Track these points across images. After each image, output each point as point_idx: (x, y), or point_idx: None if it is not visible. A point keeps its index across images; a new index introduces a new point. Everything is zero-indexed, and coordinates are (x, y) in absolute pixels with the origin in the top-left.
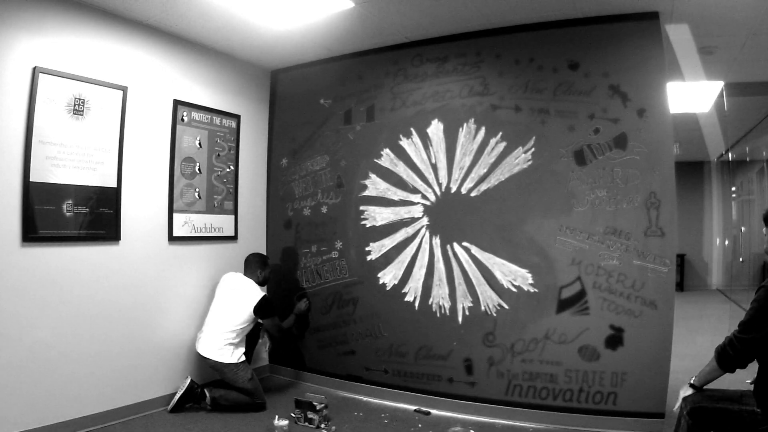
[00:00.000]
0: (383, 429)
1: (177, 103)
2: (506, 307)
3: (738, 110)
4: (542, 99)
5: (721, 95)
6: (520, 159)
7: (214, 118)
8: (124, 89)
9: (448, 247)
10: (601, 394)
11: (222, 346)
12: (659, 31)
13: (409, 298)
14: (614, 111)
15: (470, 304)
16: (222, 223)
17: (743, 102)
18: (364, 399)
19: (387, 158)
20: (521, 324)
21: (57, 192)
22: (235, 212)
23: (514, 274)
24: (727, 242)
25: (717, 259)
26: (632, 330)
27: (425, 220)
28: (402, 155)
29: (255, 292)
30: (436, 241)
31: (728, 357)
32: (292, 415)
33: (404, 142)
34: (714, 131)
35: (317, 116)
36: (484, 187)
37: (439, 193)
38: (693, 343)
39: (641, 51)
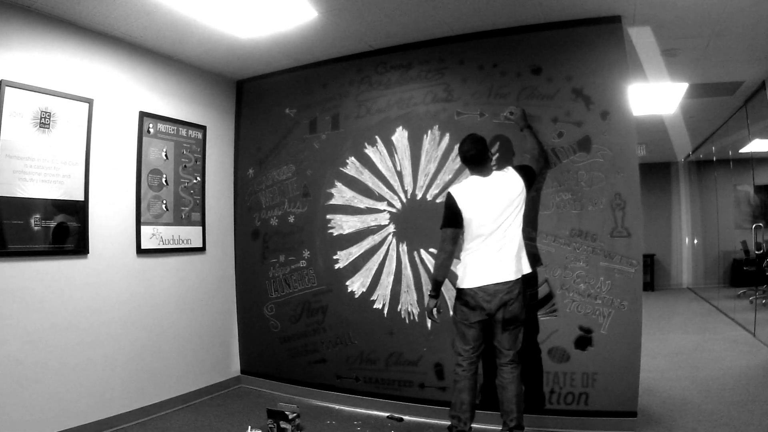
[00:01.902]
0: None
1: (143, 115)
2: None
3: (703, 111)
4: (506, 104)
5: (686, 96)
6: None
7: (180, 129)
8: (90, 102)
9: (415, 253)
10: (573, 395)
11: None
12: (622, 34)
13: (378, 305)
14: (577, 114)
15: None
16: (190, 235)
17: (708, 102)
18: (336, 407)
19: (352, 166)
20: None
21: (25, 206)
22: (203, 224)
23: None
24: (696, 241)
25: (687, 258)
26: (601, 330)
27: (392, 228)
28: (367, 163)
29: None
30: (403, 247)
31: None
32: (266, 425)
33: (369, 150)
34: (680, 132)
35: (283, 126)
36: None
37: (404, 200)
38: (665, 341)
39: (604, 54)
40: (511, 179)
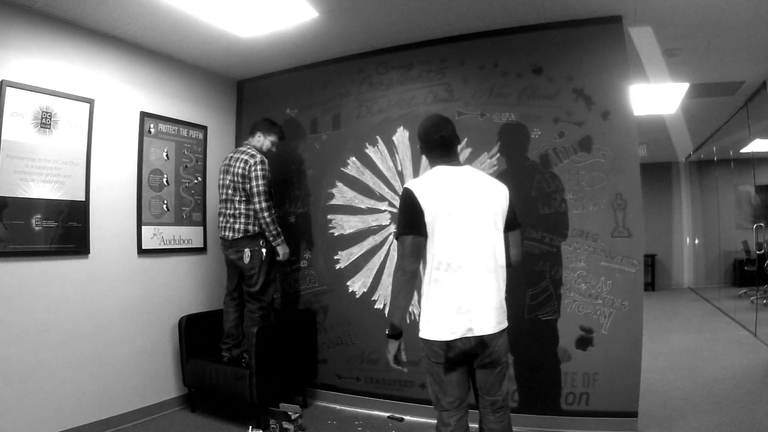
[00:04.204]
0: None
1: (144, 115)
2: None
3: (704, 111)
4: (507, 104)
5: (686, 96)
6: (485, 164)
7: (181, 129)
8: (91, 102)
9: None
10: (574, 395)
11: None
12: (622, 34)
13: (378, 305)
14: (578, 114)
15: None
16: (191, 235)
17: (709, 102)
18: (338, 407)
19: (353, 167)
20: None
21: (26, 206)
22: (204, 224)
23: None
24: (697, 241)
25: (688, 258)
26: (602, 330)
27: (393, 228)
28: (368, 163)
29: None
30: None
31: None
32: (268, 425)
33: (370, 150)
34: (681, 132)
35: (283, 126)
36: None
37: None
38: (666, 341)
39: (605, 54)
40: (496, 186)
